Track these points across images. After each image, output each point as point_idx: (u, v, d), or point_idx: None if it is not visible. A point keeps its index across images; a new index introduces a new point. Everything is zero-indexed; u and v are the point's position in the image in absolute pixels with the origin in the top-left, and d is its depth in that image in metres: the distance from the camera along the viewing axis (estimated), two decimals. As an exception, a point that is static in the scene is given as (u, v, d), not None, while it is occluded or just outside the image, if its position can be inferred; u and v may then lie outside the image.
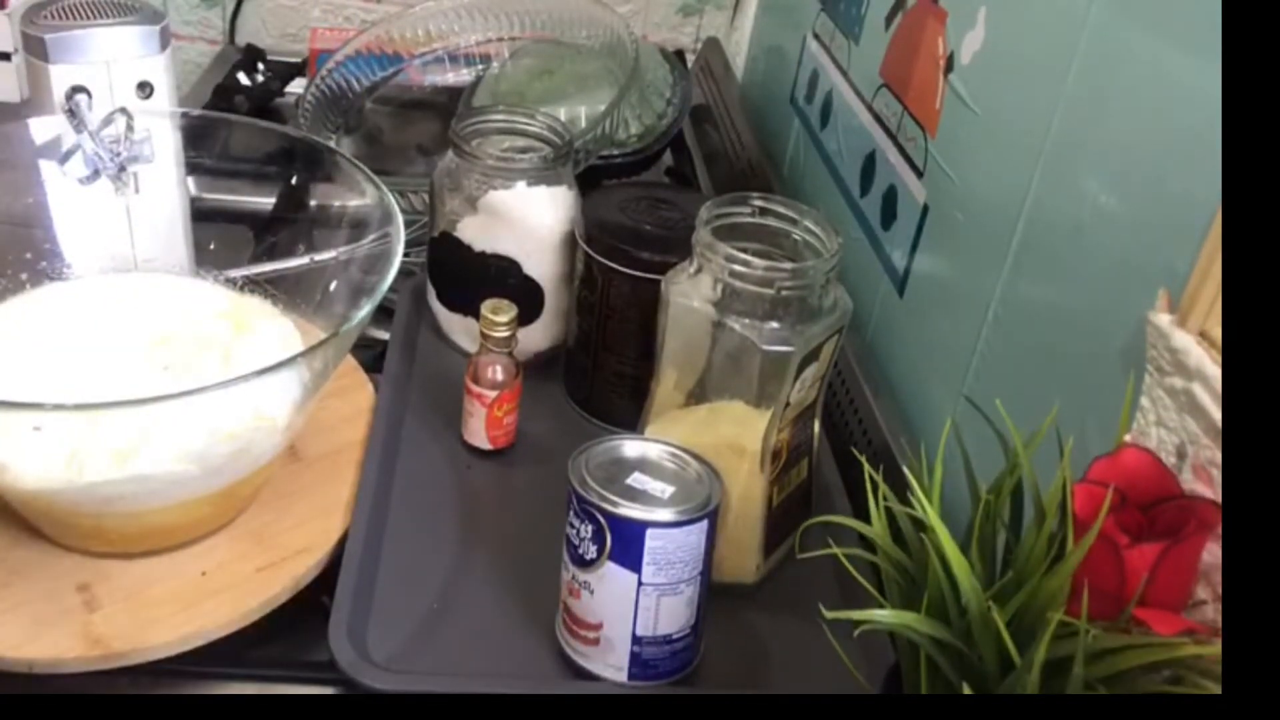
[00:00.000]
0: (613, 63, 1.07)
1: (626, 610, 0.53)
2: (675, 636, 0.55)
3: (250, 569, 0.61)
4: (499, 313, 0.69)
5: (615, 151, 1.04)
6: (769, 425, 0.60)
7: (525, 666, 0.59)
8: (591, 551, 0.53)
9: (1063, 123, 0.58)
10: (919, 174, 0.75)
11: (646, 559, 0.52)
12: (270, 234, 0.78)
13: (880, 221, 0.82)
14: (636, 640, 0.54)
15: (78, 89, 0.70)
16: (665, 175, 1.15)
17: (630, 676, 0.56)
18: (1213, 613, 0.41)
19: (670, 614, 0.54)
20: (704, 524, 0.53)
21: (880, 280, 0.81)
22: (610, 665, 0.56)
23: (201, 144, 0.80)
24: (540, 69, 1.11)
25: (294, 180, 0.82)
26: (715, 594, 0.64)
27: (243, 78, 1.23)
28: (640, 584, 0.52)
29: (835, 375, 0.80)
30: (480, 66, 1.16)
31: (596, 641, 0.55)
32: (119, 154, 0.70)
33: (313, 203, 0.79)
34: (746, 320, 0.59)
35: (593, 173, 0.97)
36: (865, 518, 0.48)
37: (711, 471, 0.56)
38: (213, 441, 0.57)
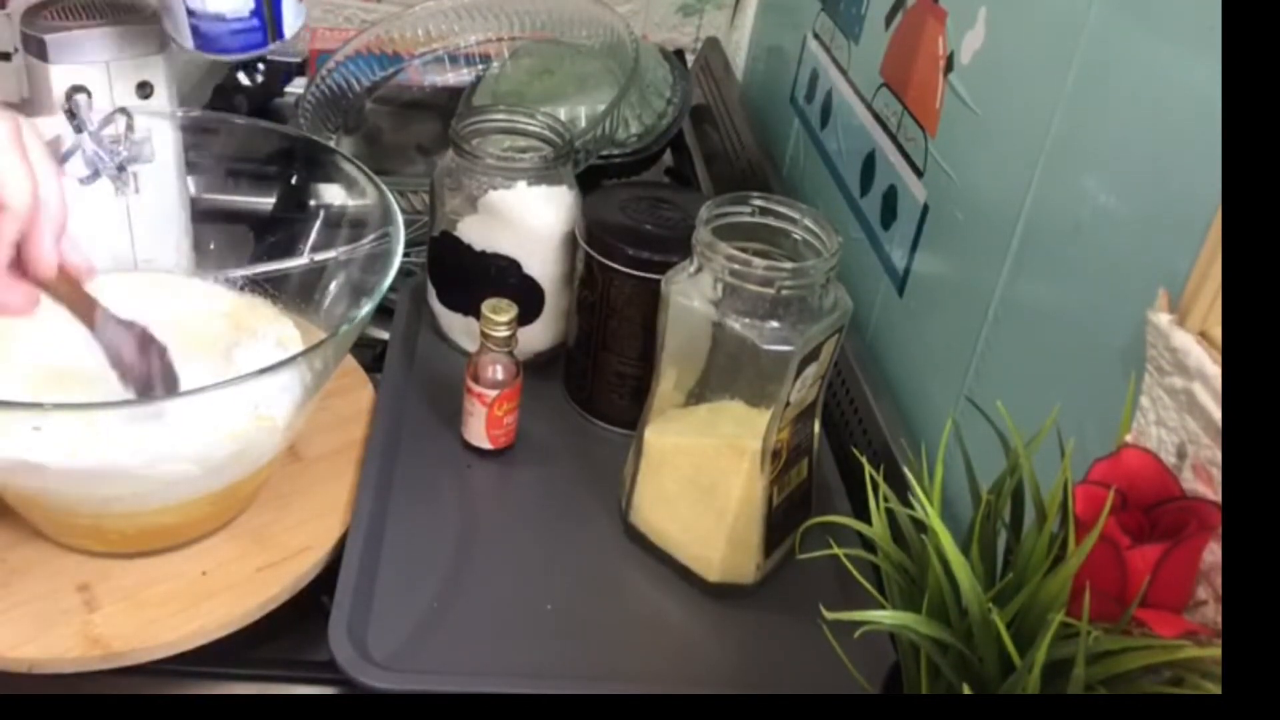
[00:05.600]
0: (613, 63, 1.07)
1: None
2: (230, 16, 0.61)
3: (250, 569, 0.61)
4: (499, 312, 0.69)
5: (615, 151, 1.04)
6: (769, 425, 0.60)
7: (525, 666, 0.59)
8: None
9: (1063, 123, 0.58)
10: (919, 174, 0.75)
11: None
12: (270, 234, 0.78)
13: (880, 221, 0.82)
14: (190, 13, 0.61)
15: (78, 89, 0.70)
16: (665, 175, 1.15)
17: (196, 47, 0.63)
18: (1213, 613, 0.41)
19: None
20: None
21: (880, 280, 0.81)
22: (180, 34, 0.62)
23: (201, 144, 0.80)
24: (540, 69, 1.11)
25: (294, 180, 0.82)
26: (715, 594, 0.65)
27: (243, 78, 1.23)
28: None
29: (835, 375, 0.80)
30: (480, 66, 1.16)
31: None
32: (119, 154, 0.70)
33: (313, 203, 0.79)
34: (746, 320, 0.59)
35: (593, 173, 0.97)
36: (865, 518, 0.48)
37: None
38: (213, 441, 0.57)
